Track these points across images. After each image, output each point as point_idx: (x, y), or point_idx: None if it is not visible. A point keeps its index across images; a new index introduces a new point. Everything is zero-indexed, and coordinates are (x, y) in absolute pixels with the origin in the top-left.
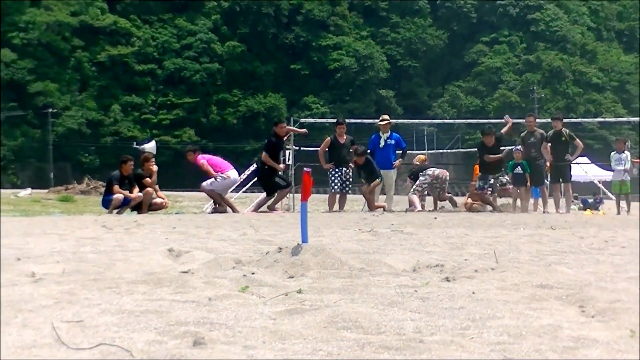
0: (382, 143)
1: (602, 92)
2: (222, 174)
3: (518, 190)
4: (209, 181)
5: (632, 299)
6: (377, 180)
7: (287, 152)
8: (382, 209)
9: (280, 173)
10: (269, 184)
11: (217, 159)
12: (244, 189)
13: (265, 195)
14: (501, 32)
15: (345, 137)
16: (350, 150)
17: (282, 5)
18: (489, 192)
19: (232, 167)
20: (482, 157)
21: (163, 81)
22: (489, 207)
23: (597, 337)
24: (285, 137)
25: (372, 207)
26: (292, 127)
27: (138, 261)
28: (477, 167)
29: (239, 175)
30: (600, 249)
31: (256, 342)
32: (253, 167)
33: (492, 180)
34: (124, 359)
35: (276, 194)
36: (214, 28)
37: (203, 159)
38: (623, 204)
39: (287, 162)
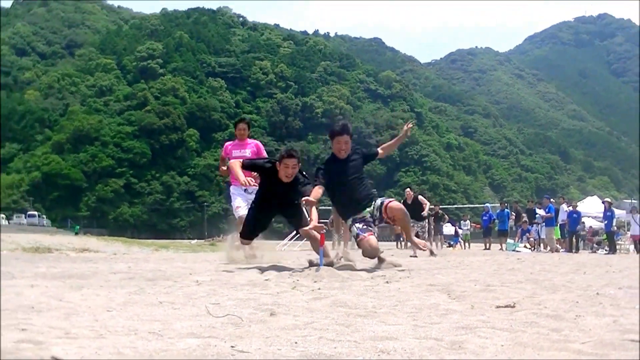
0: None
1: (457, 193)
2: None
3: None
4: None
5: (471, 290)
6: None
7: None
8: None
9: None
10: None
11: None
12: None
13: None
14: (409, 167)
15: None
16: None
17: (310, 155)
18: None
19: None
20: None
21: None
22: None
23: (456, 309)
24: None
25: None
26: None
27: (245, 275)
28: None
29: None
30: (457, 266)
31: (299, 313)
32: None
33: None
34: (237, 322)
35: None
36: None
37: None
38: (466, 245)
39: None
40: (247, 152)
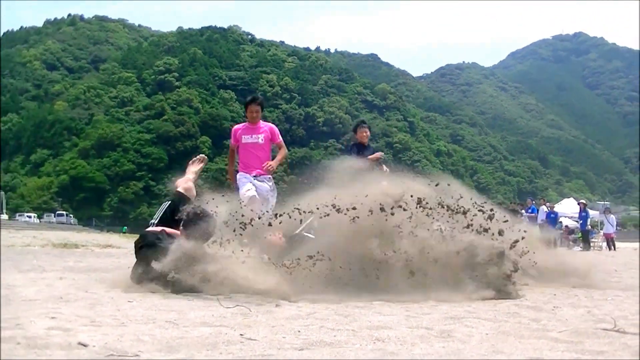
0: None
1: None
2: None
3: None
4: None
5: None
6: None
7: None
8: None
9: None
10: None
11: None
12: None
13: None
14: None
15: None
16: None
17: (312, 161)
18: None
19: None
20: None
21: None
22: None
23: (445, 300)
24: None
25: None
26: None
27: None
28: None
29: None
30: None
31: (303, 305)
32: None
33: None
34: (245, 313)
35: None
36: None
37: None
38: None
39: None
40: (260, 138)
